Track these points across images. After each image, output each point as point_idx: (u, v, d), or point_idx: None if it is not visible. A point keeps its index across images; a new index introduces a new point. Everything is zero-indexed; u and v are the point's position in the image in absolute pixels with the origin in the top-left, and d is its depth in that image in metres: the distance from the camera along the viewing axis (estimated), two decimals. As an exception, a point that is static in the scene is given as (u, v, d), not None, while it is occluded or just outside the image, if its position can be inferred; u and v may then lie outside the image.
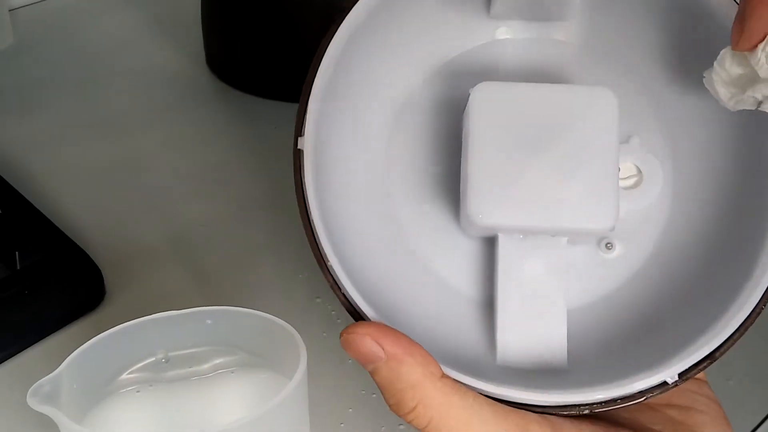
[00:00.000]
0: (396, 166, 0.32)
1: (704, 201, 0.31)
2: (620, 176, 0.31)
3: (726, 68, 0.26)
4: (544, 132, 0.29)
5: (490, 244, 0.32)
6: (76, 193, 0.51)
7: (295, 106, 0.29)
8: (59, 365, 0.31)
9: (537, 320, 0.30)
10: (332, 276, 0.28)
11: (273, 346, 0.33)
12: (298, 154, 0.29)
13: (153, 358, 0.34)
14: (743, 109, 0.27)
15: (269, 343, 0.33)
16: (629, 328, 0.31)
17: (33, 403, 0.29)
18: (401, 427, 0.37)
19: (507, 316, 0.30)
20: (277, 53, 0.57)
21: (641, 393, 0.27)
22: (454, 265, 0.32)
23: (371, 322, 0.27)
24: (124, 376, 0.34)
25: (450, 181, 0.32)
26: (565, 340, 0.30)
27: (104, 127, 0.57)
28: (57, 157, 0.53)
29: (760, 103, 0.25)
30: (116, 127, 0.57)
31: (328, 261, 0.28)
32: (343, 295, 0.28)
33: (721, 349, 0.27)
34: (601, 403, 0.27)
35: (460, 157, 0.30)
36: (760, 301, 0.27)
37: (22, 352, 0.41)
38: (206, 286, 0.45)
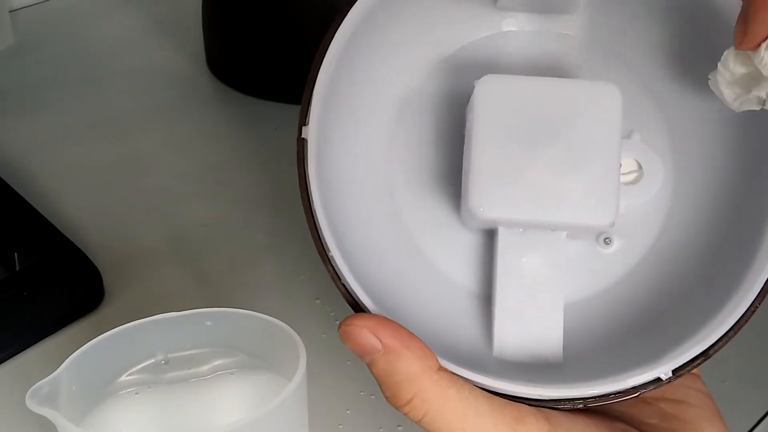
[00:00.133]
0: (398, 162, 0.32)
1: (703, 199, 0.31)
2: (621, 171, 0.31)
3: (730, 68, 0.26)
4: (548, 126, 0.29)
5: (490, 238, 0.32)
6: (75, 193, 0.51)
7: (296, 108, 0.29)
8: (58, 367, 0.31)
9: (534, 314, 0.30)
10: (333, 267, 0.28)
11: (272, 347, 0.33)
12: (302, 144, 0.28)
13: (152, 360, 0.34)
14: (745, 110, 0.27)
15: (269, 345, 0.33)
16: (625, 324, 0.31)
17: (32, 404, 0.29)
18: (400, 428, 0.37)
19: (504, 309, 0.30)
20: (277, 55, 0.57)
21: (635, 388, 0.27)
22: (454, 259, 0.32)
23: (370, 315, 0.27)
24: (124, 377, 0.34)
25: (451, 175, 0.32)
26: (562, 335, 0.30)
27: (104, 127, 0.57)
28: (57, 158, 0.53)
29: (764, 102, 0.25)
30: (116, 127, 0.57)
31: (329, 251, 0.28)
32: (343, 285, 0.28)
33: (716, 347, 0.27)
34: (595, 397, 0.27)
35: (462, 151, 0.30)
36: (755, 299, 0.27)
37: (20, 354, 0.41)
38: (206, 287, 0.45)
